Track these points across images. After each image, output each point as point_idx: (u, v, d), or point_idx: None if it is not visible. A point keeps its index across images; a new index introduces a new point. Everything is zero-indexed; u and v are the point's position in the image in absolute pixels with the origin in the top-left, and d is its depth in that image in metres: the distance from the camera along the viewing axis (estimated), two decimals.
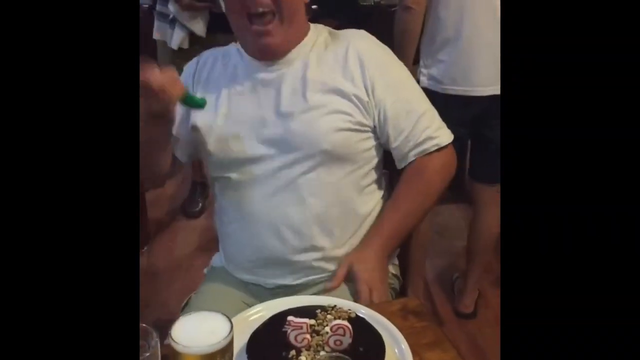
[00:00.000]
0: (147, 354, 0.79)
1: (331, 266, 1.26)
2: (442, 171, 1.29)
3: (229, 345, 0.83)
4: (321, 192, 1.23)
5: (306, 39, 1.29)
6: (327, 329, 0.96)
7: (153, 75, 1.05)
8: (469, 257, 2.27)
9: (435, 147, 1.27)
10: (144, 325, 0.82)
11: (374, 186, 1.31)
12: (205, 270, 1.45)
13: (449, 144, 1.30)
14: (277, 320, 0.99)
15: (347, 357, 0.85)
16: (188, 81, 1.33)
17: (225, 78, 1.31)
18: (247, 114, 1.26)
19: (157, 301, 2.32)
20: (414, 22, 1.92)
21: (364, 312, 1.04)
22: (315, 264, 1.26)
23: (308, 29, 1.31)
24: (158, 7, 2.36)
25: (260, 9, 1.19)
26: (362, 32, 1.34)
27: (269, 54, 1.26)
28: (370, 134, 1.27)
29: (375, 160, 1.30)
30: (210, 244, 2.83)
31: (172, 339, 0.81)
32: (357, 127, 1.24)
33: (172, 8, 2.29)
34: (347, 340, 0.95)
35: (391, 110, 1.25)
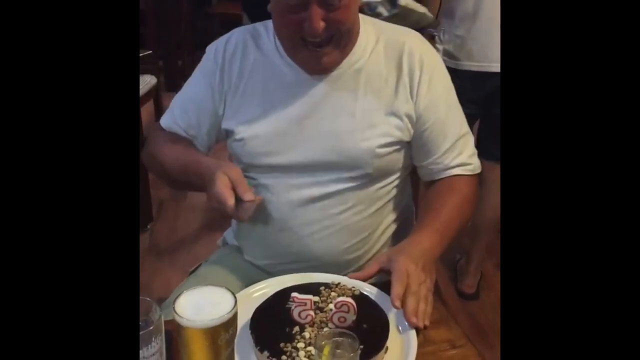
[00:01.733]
0: (150, 328, 0.79)
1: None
2: (473, 199, 1.23)
3: (233, 320, 0.82)
4: (350, 206, 1.18)
5: (358, 43, 1.18)
6: (331, 305, 0.96)
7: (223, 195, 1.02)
8: (473, 237, 2.27)
9: (468, 173, 1.21)
10: (148, 299, 0.81)
11: (400, 196, 1.26)
12: (218, 242, 1.42)
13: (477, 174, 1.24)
14: (281, 297, 0.99)
15: (351, 333, 0.85)
16: (214, 69, 1.21)
17: (260, 79, 1.19)
18: (285, 127, 1.17)
19: (160, 280, 2.32)
20: None
21: (368, 289, 1.04)
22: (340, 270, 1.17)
23: (359, 29, 1.19)
24: None
25: (319, 39, 1.10)
26: (417, 34, 1.25)
27: (321, 71, 1.17)
28: (406, 149, 1.21)
29: (406, 172, 1.26)
30: (213, 223, 2.84)
31: (176, 313, 0.80)
32: (400, 147, 1.18)
33: None
34: (351, 317, 0.94)
35: (430, 131, 1.18)
